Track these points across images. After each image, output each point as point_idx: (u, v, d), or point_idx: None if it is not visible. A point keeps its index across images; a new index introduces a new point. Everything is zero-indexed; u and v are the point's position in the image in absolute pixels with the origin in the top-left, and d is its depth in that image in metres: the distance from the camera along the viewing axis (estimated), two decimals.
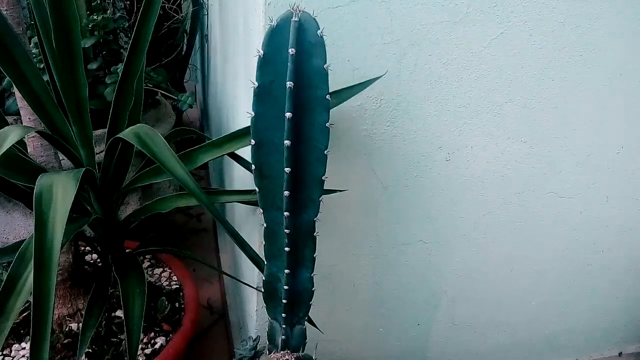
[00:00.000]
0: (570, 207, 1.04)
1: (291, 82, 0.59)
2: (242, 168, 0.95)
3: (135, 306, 0.76)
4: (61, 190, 0.66)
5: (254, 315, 1.01)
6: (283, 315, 0.75)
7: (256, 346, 0.93)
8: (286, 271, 0.72)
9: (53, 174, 0.72)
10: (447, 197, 0.96)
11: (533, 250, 1.07)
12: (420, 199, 0.94)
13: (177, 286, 1.05)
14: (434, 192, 0.94)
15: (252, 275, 0.98)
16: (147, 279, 0.87)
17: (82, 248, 1.12)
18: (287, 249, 0.70)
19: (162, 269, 1.10)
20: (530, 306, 1.15)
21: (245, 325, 1.13)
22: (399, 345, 1.11)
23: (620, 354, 1.29)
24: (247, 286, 1.05)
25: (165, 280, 1.07)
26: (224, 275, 1.57)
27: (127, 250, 0.99)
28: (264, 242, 0.73)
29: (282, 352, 0.55)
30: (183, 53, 2.07)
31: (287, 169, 0.64)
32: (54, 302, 0.88)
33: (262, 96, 0.62)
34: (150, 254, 1.13)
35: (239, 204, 1.02)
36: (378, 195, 0.92)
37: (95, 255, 1.11)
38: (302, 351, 0.75)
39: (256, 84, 0.61)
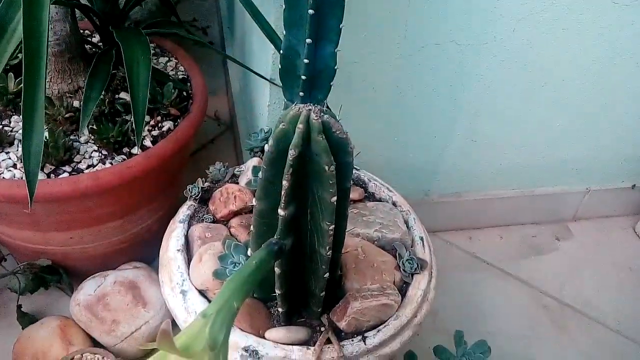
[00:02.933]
0: (620, 17, 0.93)
1: None
2: None
3: (140, 72, 0.70)
4: None
5: (265, 112, 0.96)
6: (301, 94, 0.69)
7: (267, 138, 0.89)
8: (307, 41, 0.64)
9: None
10: None
11: (569, 65, 0.98)
12: None
13: (184, 76, 0.99)
14: None
15: (266, 67, 0.90)
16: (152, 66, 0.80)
17: (83, 31, 1.03)
18: (310, 11, 0.62)
19: (167, 58, 1.03)
20: (553, 128, 1.09)
21: (255, 126, 1.09)
22: (412, 157, 1.08)
23: (633, 186, 1.27)
24: (258, 83, 0.99)
25: (172, 70, 1.00)
26: (231, 86, 1.51)
27: None
28: (283, 7, 0.64)
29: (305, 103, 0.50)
30: None
31: None
32: (48, 69, 0.82)
33: None
34: (155, 43, 1.04)
35: None
36: None
37: (97, 38, 1.02)
38: None
39: None
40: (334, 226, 0.55)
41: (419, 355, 0.77)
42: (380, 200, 0.85)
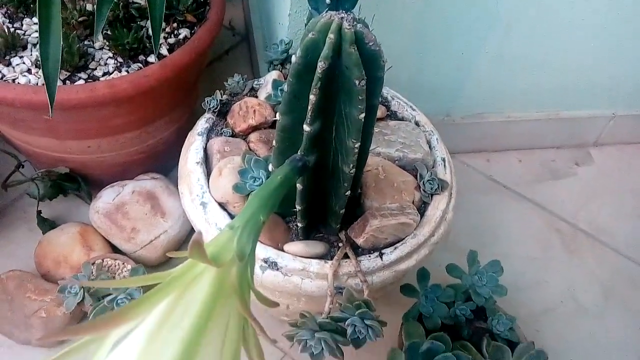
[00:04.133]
0: None
1: None
2: None
3: None
4: None
5: (286, 22, 0.91)
6: (327, 1, 0.65)
7: (288, 50, 0.85)
8: None
9: None
10: None
11: None
12: None
13: None
14: None
15: None
16: None
17: None
18: None
19: None
20: (586, 48, 1.04)
21: (273, 37, 1.04)
22: (436, 76, 1.04)
23: None
24: None
25: None
26: None
27: None
28: None
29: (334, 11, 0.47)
30: None
31: None
32: None
33: None
34: None
35: None
36: None
37: None
38: None
39: None
40: (359, 144, 0.53)
41: (430, 272, 0.78)
42: (402, 119, 0.83)
